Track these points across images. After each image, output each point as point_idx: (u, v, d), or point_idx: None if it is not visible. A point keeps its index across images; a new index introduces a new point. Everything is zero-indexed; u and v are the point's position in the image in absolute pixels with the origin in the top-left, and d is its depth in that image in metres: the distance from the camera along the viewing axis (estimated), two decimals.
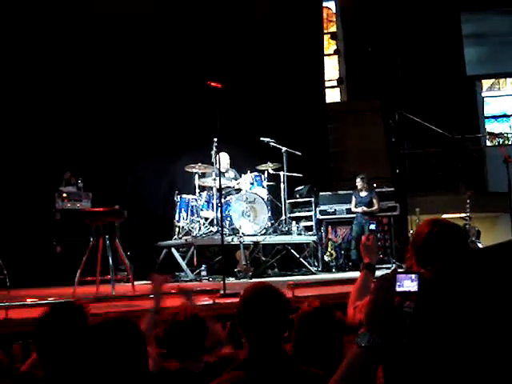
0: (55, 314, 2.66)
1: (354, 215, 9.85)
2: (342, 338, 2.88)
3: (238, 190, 9.16)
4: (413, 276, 1.70)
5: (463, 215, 8.96)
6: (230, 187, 9.21)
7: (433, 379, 0.93)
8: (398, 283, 1.71)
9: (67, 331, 2.46)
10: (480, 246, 8.83)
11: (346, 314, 2.86)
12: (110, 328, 1.91)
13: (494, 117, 15.17)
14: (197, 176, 8.95)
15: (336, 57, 14.82)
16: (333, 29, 14.88)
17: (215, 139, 8.37)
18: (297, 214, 10.35)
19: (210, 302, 4.66)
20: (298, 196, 10.59)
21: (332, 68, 14.78)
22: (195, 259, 8.55)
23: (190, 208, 8.89)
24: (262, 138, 9.39)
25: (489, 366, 0.89)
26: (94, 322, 1.98)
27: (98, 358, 1.85)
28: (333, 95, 14.70)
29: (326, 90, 13.96)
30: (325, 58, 13.98)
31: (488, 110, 15.11)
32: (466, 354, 0.89)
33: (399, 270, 1.79)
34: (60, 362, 2.42)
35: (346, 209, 10.11)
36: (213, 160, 8.66)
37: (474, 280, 0.92)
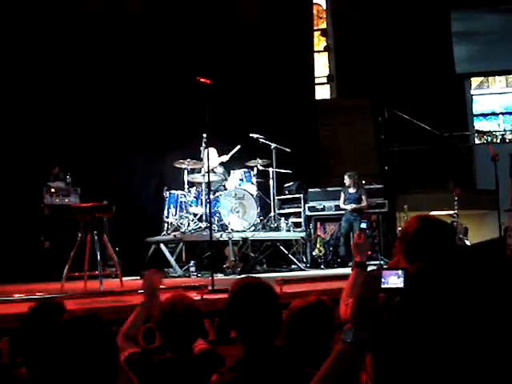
0: (36, 314, 2.66)
1: (343, 212, 9.87)
2: (334, 334, 2.89)
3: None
4: (399, 272, 1.70)
5: (451, 212, 9.00)
6: (218, 183, 9.22)
7: (416, 375, 0.93)
8: (383, 279, 1.71)
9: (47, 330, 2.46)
10: (467, 243, 8.88)
11: (339, 311, 2.87)
12: (76, 325, 1.91)
13: (483, 115, 15.25)
14: (186, 172, 8.94)
15: (326, 54, 14.83)
16: (323, 25, 14.89)
17: (204, 135, 8.36)
18: (286, 211, 10.37)
19: (198, 297, 4.66)
20: (287, 192, 10.60)
21: (322, 65, 14.80)
22: (184, 255, 8.54)
23: (178, 204, 8.88)
24: (251, 135, 9.39)
25: (474, 363, 0.90)
26: (60, 320, 1.98)
27: (66, 356, 1.86)
28: (323, 92, 14.71)
29: (316, 86, 13.98)
30: (315, 54, 13.99)
31: (477, 107, 15.18)
32: (449, 351, 0.90)
33: (385, 267, 1.79)
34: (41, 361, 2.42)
35: (335, 205, 10.13)
36: (202, 156, 8.65)
37: (459, 277, 0.93)
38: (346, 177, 9.91)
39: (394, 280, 1.72)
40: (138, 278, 8.25)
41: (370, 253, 9.66)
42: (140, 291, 3.37)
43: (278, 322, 2.40)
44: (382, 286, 1.71)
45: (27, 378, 2.49)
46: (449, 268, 0.95)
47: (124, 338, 2.94)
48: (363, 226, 3.50)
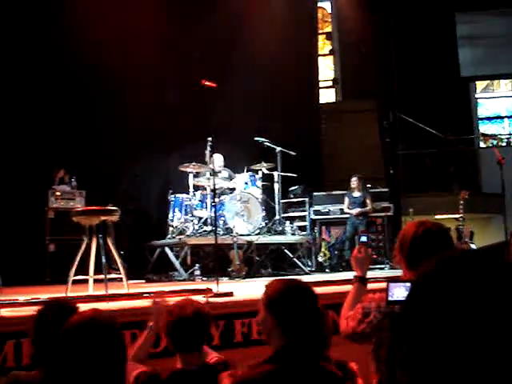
0: (51, 311, 2.67)
1: (348, 215, 9.86)
2: (330, 337, 2.90)
3: (232, 190, 9.16)
4: (407, 284, 1.66)
5: (457, 216, 8.98)
6: (223, 187, 9.21)
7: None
8: (390, 292, 1.67)
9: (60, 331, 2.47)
10: (473, 246, 8.86)
11: (339, 325, 2.86)
12: (87, 329, 1.92)
13: (488, 118, 15.22)
14: (191, 175, 8.94)
15: (331, 57, 14.83)
16: (328, 29, 14.90)
17: (209, 139, 8.35)
18: (291, 214, 10.35)
19: (204, 301, 4.65)
20: (292, 196, 10.59)
21: (327, 68, 14.80)
22: (189, 259, 8.53)
23: (183, 207, 8.87)
24: (256, 138, 9.39)
25: (480, 371, 0.88)
26: (72, 323, 1.98)
27: (75, 360, 1.86)
28: (327, 95, 14.71)
29: (321, 90, 13.98)
30: (320, 58, 13.99)
31: (482, 111, 15.15)
32: (453, 360, 0.89)
33: (391, 279, 1.76)
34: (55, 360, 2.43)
35: (340, 209, 10.12)
36: (207, 160, 8.65)
37: (463, 284, 0.91)
38: (354, 179, 9.88)
39: (401, 292, 1.68)
40: (144, 281, 8.28)
41: (375, 256, 9.69)
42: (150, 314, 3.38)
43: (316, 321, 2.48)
44: (389, 299, 1.67)
45: (37, 380, 2.50)
46: (452, 275, 0.93)
47: (133, 361, 2.96)
48: (364, 239, 3.45)
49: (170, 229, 8.90)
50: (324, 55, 14.71)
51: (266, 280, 2.60)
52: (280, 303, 2.40)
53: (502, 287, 0.88)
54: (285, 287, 2.44)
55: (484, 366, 0.85)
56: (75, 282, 5.81)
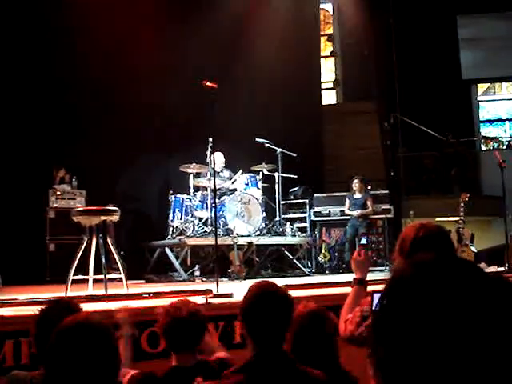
0: (54, 311, 2.68)
1: (348, 217, 9.85)
2: (336, 339, 2.90)
3: (233, 191, 9.16)
4: None
5: (457, 218, 8.97)
6: (224, 187, 9.21)
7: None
8: (374, 303, 1.65)
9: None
10: (473, 249, 8.86)
11: (338, 328, 2.86)
12: (81, 333, 1.93)
13: (489, 121, 15.21)
14: (191, 176, 8.94)
15: (332, 59, 14.83)
16: (329, 31, 14.89)
17: (210, 139, 8.34)
18: (291, 216, 10.34)
19: (203, 302, 4.65)
20: (292, 197, 10.58)
21: (328, 70, 14.80)
22: (189, 259, 8.53)
23: (184, 208, 8.87)
24: (257, 139, 9.39)
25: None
26: (65, 325, 1.98)
27: (67, 361, 1.87)
28: (329, 97, 14.71)
29: (322, 91, 13.97)
30: (321, 59, 13.99)
31: (483, 114, 15.15)
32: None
33: (376, 289, 1.75)
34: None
35: (341, 211, 10.10)
36: (208, 160, 8.64)
37: (435, 289, 0.90)
38: (355, 181, 9.85)
39: None
40: (143, 281, 8.28)
41: (375, 259, 9.69)
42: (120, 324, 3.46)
43: (288, 326, 2.49)
44: (373, 309, 1.65)
45: (38, 380, 2.50)
46: (425, 280, 0.92)
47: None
48: (363, 241, 3.46)
49: (170, 229, 8.90)
50: (325, 57, 14.70)
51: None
52: (249, 310, 2.38)
53: (473, 293, 0.87)
54: (256, 294, 2.42)
55: (456, 369, 0.84)
56: (75, 281, 5.81)
